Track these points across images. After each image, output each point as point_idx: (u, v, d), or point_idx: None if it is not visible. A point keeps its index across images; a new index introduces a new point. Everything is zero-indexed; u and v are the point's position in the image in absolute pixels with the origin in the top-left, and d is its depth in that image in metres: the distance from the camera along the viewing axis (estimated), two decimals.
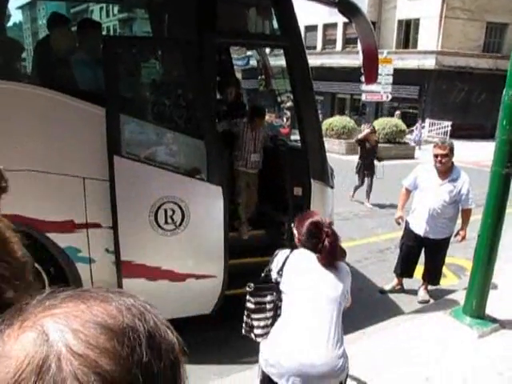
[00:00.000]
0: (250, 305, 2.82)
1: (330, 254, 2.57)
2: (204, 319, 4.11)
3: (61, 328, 0.52)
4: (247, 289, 2.82)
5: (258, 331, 2.80)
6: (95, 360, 0.50)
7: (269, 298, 2.76)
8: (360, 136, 9.93)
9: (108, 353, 0.51)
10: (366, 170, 9.72)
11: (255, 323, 2.81)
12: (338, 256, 2.66)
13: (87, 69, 3.87)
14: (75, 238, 3.72)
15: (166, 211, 3.71)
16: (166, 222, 3.73)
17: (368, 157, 9.72)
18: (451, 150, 4.84)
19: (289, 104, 7.64)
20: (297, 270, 2.65)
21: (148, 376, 0.53)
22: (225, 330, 4.18)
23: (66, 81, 3.80)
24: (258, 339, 2.78)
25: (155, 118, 4.00)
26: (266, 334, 2.71)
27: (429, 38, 24.18)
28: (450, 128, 22.13)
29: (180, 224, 3.76)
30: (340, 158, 15.96)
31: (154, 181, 3.74)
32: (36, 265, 3.85)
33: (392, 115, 20.04)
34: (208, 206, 3.92)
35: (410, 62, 23.90)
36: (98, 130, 3.54)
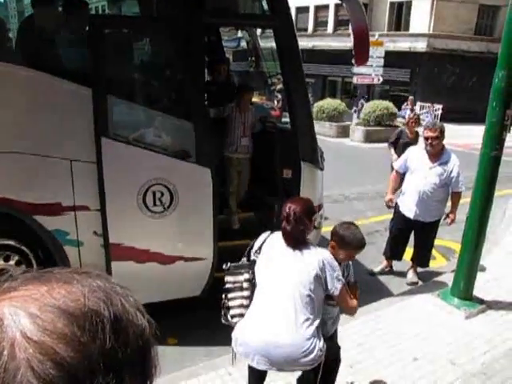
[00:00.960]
0: (227, 285, 2.83)
1: (286, 236, 2.62)
2: (194, 301, 4.11)
3: (17, 312, 0.48)
4: (223, 267, 2.83)
5: (233, 311, 2.81)
6: (52, 347, 0.47)
7: (245, 276, 2.78)
8: (393, 137, 7.75)
9: (66, 339, 0.48)
10: None
11: (231, 303, 2.82)
12: (301, 240, 2.63)
13: (73, 48, 3.80)
14: (63, 220, 3.69)
15: (154, 193, 3.68)
16: (155, 205, 3.71)
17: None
18: (442, 132, 4.84)
19: (280, 86, 7.58)
20: (269, 252, 2.68)
21: (112, 363, 0.50)
22: (214, 312, 4.18)
23: (52, 61, 3.73)
24: (235, 320, 2.76)
25: (143, 99, 3.95)
26: (242, 314, 2.72)
27: (421, 20, 24.02)
28: (440, 111, 22.14)
29: (169, 206, 3.74)
30: (331, 140, 15.95)
31: (142, 163, 3.70)
32: (24, 248, 3.83)
33: (384, 98, 19.96)
34: (197, 188, 3.89)
35: (402, 44, 23.78)
36: (84, 111, 3.48)
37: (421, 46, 23.66)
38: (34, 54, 3.68)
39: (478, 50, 23.59)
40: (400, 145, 7.36)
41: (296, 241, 2.61)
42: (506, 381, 3.54)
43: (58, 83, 3.47)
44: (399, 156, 6.48)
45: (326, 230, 6.60)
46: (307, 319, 2.50)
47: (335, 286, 2.58)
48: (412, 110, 19.02)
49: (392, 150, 7.47)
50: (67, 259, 3.80)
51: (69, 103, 3.53)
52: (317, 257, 2.58)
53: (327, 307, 2.78)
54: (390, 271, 5.70)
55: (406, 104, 20.37)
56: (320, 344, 2.53)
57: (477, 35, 24.70)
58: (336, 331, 3.07)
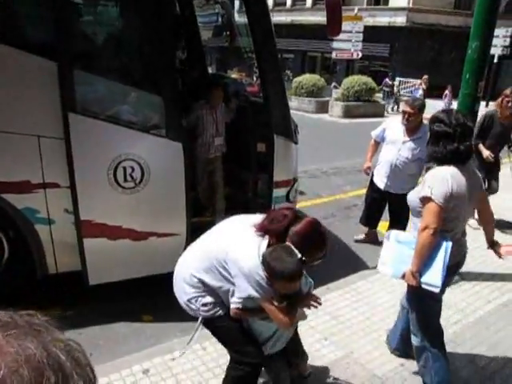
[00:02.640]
0: None
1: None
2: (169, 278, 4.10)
3: None
4: None
5: None
6: None
7: None
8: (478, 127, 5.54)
9: None
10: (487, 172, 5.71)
11: None
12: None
13: (38, 20, 3.66)
14: (32, 198, 3.61)
15: (124, 169, 3.62)
16: (126, 180, 3.65)
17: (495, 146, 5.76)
18: (420, 109, 4.82)
19: None
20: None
21: None
22: None
23: (14, 33, 3.60)
24: None
25: (111, 72, 3.85)
26: None
27: None
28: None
29: (140, 182, 3.68)
30: (310, 116, 15.92)
31: (112, 138, 3.62)
32: None
33: (364, 74, 19.93)
34: (168, 162, 3.84)
35: (381, 19, 23.71)
36: (50, 86, 3.38)
37: (400, 20, 23.59)
38: None
39: (457, 24, 23.54)
40: (494, 135, 5.64)
41: (264, 231, 2.36)
42: (474, 347, 3.62)
43: (24, 57, 3.36)
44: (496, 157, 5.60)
45: (302, 205, 6.65)
46: (200, 283, 2.50)
47: (233, 301, 2.41)
48: (425, 89, 18.39)
49: (481, 146, 5.64)
50: (38, 238, 3.74)
51: (34, 78, 3.42)
52: (244, 262, 2.29)
53: (258, 323, 2.61)
54: (372, 239, 5.74)
55: (419, 84, 20.03)
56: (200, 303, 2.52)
57: (456, 9, 24.68)
58: (283, 354, 2.82)
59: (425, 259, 2.76)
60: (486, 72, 4.30)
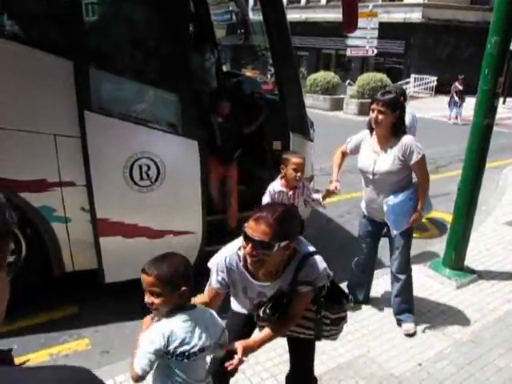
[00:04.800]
0: None
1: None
2: None
3: None
4: None
5: None
6: None
7: None
8: None
9: None
10: None
11: None
12: None
13: (53, 19, 3.67)
14: (49, 197, 3.63)
15: (140, 167, 3.63)
16: (142, 179, 3.66)
17: None
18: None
19: None
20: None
21: None
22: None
23: (30, 32, 3.62)
24: None
25: (127, 70, 3.85)
26: None
27: None
28: (435, 83, 21.97)
29: (156, 180, 3.69)
30: (325, 114, 15.85)
31: (128, 136, 3.63)
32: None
33: (378, 71, 19.73)
34: (184, 160, 3.84)
35: (396, 15, 23.44)
36: (67, 84, 3.40)
37: (416, 16, 23.32)
38: (12, 25, 3.57)
39: (474, 19, 23.26)
40: None
41: None
42: (493, 348, 3.56)
43: (40, 56, 3.38)
44: None
45: None
46: None
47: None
48: (461, 91, 16.17)
49: None
50: (55, 236, 3.77)
51: (50, 77, 3.44)
52: None
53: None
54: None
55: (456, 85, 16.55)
56: None
57: (473, 4, 24.34)
58: None
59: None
60: (505, 68, 4.22)
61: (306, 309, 2.30)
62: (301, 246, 2.23)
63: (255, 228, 1.98)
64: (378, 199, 3.66)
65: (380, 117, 3.43)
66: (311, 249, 2.24)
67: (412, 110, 6.31)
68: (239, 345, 2.06)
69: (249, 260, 2.08)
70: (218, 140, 4.73)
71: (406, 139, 3.47)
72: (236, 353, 2.03)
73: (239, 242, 2.20)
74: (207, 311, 2.08)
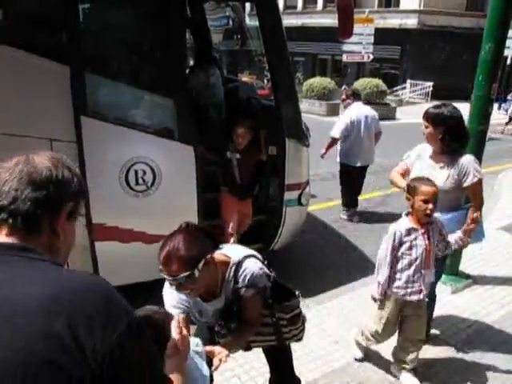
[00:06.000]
0: None
1: None
2: None
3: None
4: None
5: None
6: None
7: None
8: None
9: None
10: None
11: None
12: None
13: (48, 23, 3.68)
14: None
15: (136, 172, 3.63)
16: (137, 183, 3.66)
17: None
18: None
19: None
20: None
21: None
22: None
23: (25, 37, 3.62)
24: None
25: (123, 75, 3.86)
26: None
27: None
28: (431, 89, 22.07)
29: (151, 185, 3.69)
30: (321, 119, 15.86)
31: (124, 141, 3.64)
32: None
33: (374, 76, 19.81)
34: (179, 166, 3.84)
35: (392, 21, 23.58)
36: (62, 89, 3.40)
37: (411, 22, 23.47)
38: (5, 29, 3.57)
39: (469, 26, 23.37)
40: None
41: None
42: (487, 352, 3.57)
43: (36, 61, 3.38)
44: None
45: (314, 208, 6.63)
46: None
47: None
48: None
49: None
50: None
51: (46, 81, 3.44)
52: None
53: None
54: None
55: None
56: None
57: (468, 11, 24.48)
58: None
59: None
60: (499, 74, 4.25)
61: (261, 315, 2.33)
62: (232, 254, 2.24)
63: (168, 269, 1.96)
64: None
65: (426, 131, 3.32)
66: (243, 253, 2.26)
67: (366, 110, 6.61)
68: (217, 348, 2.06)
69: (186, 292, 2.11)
70: (238, 178, 4.29)
71: (465, 159, 3.27)
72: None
73: None
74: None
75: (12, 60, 3.33)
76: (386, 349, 3.63)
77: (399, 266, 3.01)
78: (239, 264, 2.21)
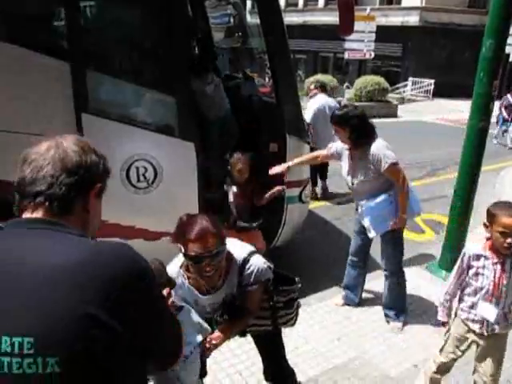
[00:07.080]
0: None
1: None
2: None
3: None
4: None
5: None
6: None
7: None
8: None
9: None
10: None
11: None
12: None
13: (49, 21, 3.69)
14: None
15: (137, 169, 3.63)
16: (139, 180, 3.66)
17: None
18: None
19: None
20: None
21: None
22: None
23: (26, 34, 3.63)
24: None
25: (124, 73, 3.86)
26: None
27: None
28: (433, 86, 22.04)
29: (153, 182, 3.70)
30: None
31: (125, 138, 3.64)
32: None
33: (376, 74, 19.76)
34: (180, 162, 3.85)
35: (394, 18, 23.51)
36: (64, 86, 3.41)
37: (413, 19, 23.39)
38: (6, 26, 3.57)
39: (471, 23, 23.29)
40: None
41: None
42: None
43: (37, 58, 3.38)
44: None
45: (315, 205, 6.64)
46: None
47: None
48: None
49: None
50: None
51: (47, 79, 3.44)
52: None
53: None
54: None
55: None
56: None
57: (470, 8, 24.40)
58: None
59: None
60: (500, 71, 4.24)
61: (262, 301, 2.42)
62: (234, 250, 2.30)
63: (203, 245, 2.02)
64: (361, 202, 3.81)
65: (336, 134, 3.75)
66: (246, 250, 2.33)
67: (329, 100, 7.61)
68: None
69: (204, 279, 2.17)
70: (234, 211, 4.16)
71: (373, 148, 3.55)
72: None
73: (178, 260, 2.33)
74: (190, 310, 2.12)
75: (13, 57, 3.34)
76: (386, 346, 3.64)
77: (467, 289, 2.77)
78: (245, 260, 2.28)
